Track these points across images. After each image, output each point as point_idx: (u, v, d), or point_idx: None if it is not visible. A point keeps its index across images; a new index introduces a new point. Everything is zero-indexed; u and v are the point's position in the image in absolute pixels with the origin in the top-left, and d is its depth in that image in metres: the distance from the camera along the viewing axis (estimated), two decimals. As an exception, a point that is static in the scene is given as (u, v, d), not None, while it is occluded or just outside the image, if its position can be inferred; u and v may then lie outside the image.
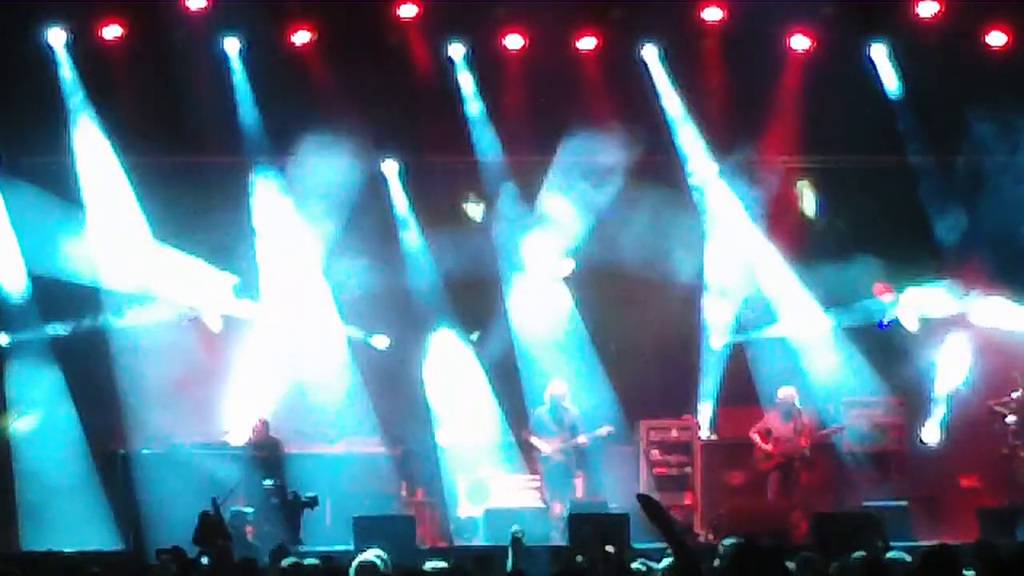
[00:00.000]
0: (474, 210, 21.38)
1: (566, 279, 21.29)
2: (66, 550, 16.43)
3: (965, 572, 8.65)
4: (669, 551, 10.49)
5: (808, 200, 21.56)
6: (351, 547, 16.37)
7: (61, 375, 20.18)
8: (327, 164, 20.46)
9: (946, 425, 20.67)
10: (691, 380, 20.98)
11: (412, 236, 21.19)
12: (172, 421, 19.55)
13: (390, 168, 21.21)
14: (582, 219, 20.87)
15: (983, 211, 20.41)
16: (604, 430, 19.87)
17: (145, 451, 19.32)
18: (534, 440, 19.98)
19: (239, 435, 19.90)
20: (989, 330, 20.66)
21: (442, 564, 9.96)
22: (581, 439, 19.84)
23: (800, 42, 20.40)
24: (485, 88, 20.82)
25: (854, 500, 19.55)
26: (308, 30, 20.20)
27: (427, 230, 21.12)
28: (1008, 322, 20.69)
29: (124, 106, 20.04)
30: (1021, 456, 19.67)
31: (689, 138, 20.98)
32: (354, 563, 10.17)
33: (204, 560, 11.58)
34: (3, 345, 20.38)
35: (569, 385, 20.07)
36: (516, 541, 14.69)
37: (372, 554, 10.40)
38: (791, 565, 10.19)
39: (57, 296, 20.24)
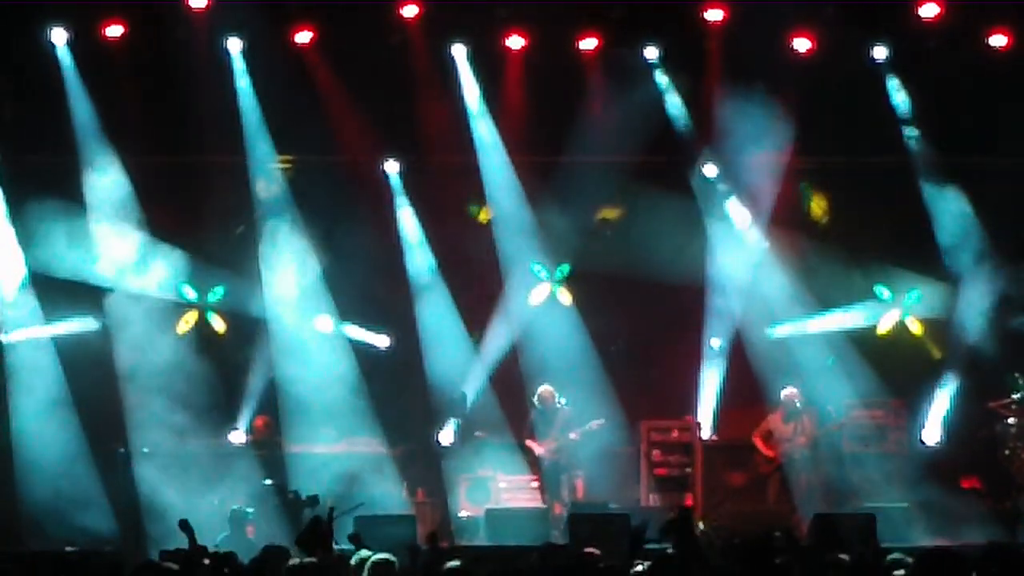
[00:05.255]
0: (477, 212, 21.40)
1: (567, 280, 21.30)
2: (68, 549, 16.43)
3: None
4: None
5: (810, 201, 21.57)
6: (351, 546, 16.33)
7: (61, 375, 20.17)
8: (328, 164, 20.46)
9: (947, 426, 20.67)
10: (692, 381, 20.99)
11: (413, 236, 21.19)
12: (173, 420, 19.54)
13: (391, 168, 21.24)
14: (583, 220, 20.87)
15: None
16: (595, 423, 19.86)
17: (145, 450, 19.33)
18: (528, 444, 20.03)
19: (240, 434, 19.90)
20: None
21: (455, 563, 9.94)
22: (572, 435, 19.83)
23: (801, 43, 20.40)
24: (486, 88, 20.83)
25: (854, 501, 19.56)
26: (310, 30, 20.21)
27: (428, 230, 21.14)
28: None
29: (125, 105, 20.04)
30: (1022, 457, 19.69)
31: (690, 138, 20.99)
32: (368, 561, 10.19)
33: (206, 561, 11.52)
34: (3, 343, 20.37)
35: (570, 386, 20.05)
36: None
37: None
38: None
39: (57, 296, 20.24)
